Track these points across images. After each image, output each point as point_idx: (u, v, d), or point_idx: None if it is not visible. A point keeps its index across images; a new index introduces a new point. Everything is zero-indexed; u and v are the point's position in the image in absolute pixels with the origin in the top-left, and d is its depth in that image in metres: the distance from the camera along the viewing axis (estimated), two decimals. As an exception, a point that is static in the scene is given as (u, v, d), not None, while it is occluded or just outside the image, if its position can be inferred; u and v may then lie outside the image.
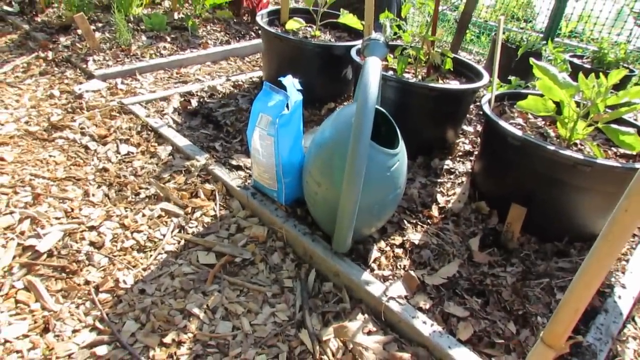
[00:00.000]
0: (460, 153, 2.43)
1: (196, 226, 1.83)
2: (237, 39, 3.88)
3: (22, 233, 1.70)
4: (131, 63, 3.15)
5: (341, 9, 2.82)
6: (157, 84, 2.98)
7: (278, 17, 3.12)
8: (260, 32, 3.88)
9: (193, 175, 2.08)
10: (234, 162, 2.16)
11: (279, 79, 1.83)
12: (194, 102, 2.73)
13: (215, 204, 1.93)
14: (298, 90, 1.83)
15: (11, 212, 1.79)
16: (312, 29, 2.98)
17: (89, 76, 2.95)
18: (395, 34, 2.51)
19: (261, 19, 2.95)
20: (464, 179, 2.21)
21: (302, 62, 2.75)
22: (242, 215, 1.90)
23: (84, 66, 3.04)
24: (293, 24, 2.87)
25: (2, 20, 3.94)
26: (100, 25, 3.74)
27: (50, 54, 3.24)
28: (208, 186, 2.01)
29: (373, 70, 1.53)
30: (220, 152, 2.25)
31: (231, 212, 1.91)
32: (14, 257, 1.59)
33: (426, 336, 1.42)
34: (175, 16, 4.10)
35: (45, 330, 1.37)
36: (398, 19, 2.41)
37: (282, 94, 1.80)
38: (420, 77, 2.43)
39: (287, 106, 1.78)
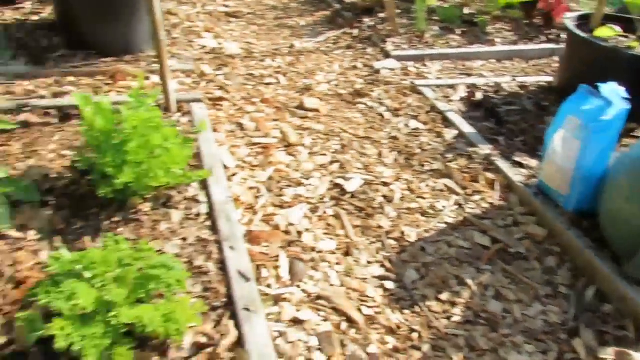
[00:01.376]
0: None
1: (473, 208, 1.91)
2: (525, 41, 3.77)
3: (332, 172, 2.05)
4: (423, 49, 3.39)
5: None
6: (443, 72, 3.15)
7: (587, 22, 2.93)
8: (562, 35, 3.69)
9: (475, 161, 2.16)
10: (516, 159, 2.16)
11: (592, 85, 1.75)
12: (479, 95, 2.80)
13: (495, 193, 1.98)
14: (624, 99, 1.72)
15: (324, 154, 2.17)
16: (627, 39, 2.71)
17: (386, 55, 3.29)
18: None
19: (570, 22, 2.81)
20: None
21: (610, 73, 2.52)
22: (519, 210, 1.91)
23: (383, 46, 3.40)
24: (605, 31, 2.65)
25: (318, -1, 4.66)
26: (398, 12, 4.09)
27: (355, 32, 3.71)
28: (489, 175, 2.07)
29: None
30: (502, 147, 2.28)
31: (508, 205, 1.94)
32: (327, 189, 1.94)
33: None
34: (466, 11, 4.20)
35: (346, 253, 1.66)
36: None
37: (604, 100, 1.72)
38: None
39: (605, 113, 1.70)
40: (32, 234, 1.55)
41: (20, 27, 3.04)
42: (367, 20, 3.91)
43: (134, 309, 1.07)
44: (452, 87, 2.90)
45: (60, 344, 1.01)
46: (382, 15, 3.91)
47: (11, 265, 1.43)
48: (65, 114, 2.21)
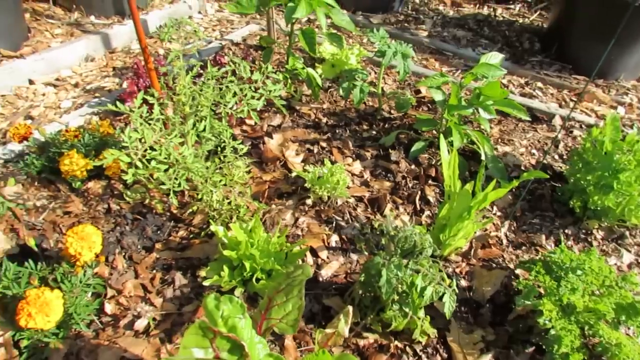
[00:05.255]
0: None
1: None
2: None
3: None
4: None
5: None
6: None
7: None
8: None
9: None
10: None
11: None
12: None
13: None
14: None
15: None
16: None
17: None
18: None
19: None
20: None
21: None
22: None
23: None
24: None
25: None
26: None
27: None
28: None
29: None
30: None
31: None
32: None
33: None
34: None
35: None
36: None
37: None
38: None
39: None
40: (495, 209, 1.86)
41: (509, 25, 3.44)
42: None
43: (614, 331, 1.18)
44: None
45: (541, 321, 1.22)
46: None
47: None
48: (534, 116, 2.44)
